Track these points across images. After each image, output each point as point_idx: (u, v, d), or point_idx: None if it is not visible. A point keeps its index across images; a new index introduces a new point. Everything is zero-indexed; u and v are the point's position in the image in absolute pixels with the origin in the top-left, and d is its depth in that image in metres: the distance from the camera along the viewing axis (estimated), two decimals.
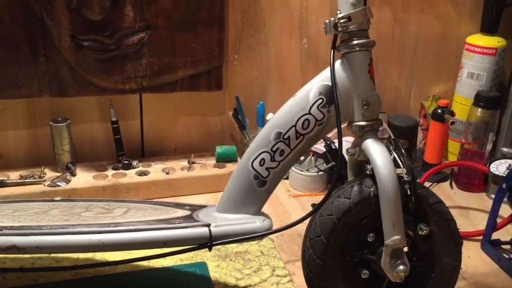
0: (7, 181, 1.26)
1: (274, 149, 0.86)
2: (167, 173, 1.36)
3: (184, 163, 1.42)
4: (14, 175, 1.29)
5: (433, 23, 1.56)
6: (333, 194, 0.84)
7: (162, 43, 1.28)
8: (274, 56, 1.47)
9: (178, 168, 1.39)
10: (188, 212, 0.91)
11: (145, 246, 0.79)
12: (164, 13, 1.25)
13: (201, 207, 0.96)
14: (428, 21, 1.56)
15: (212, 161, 1.43)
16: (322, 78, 0.85)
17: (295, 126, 0.85)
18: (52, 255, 1.05)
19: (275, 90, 1.52)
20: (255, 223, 0.84)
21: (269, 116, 1.41)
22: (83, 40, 1.22)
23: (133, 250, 0.82)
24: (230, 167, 1.41)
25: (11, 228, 0.78)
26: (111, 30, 1.22)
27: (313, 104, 0.84)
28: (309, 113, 0.84)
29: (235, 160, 1.44)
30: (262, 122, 1.48)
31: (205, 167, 1.41)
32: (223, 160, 1.43)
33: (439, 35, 1.58)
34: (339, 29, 0.82)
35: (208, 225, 0.82)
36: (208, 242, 0.81)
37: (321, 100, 0.84)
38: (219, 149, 1.43)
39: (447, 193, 1.42)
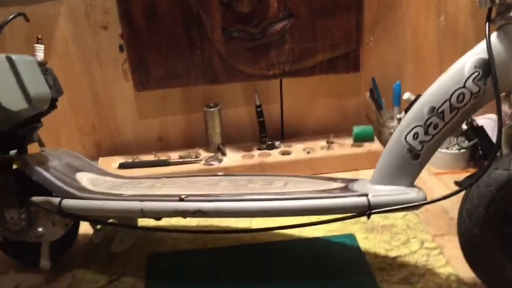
0: (170, 160, 1.42)
1: (427, 123, 0.89)
2: (308, 153, 1.44)
3: (323, 143, 1.49)
4: (174, 156, 1.46)
5: None
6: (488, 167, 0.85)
7: (303, 29, 1.35)
8: (410, 36, 1.48)
9: (317, 148, 1.46)
10: (342, 185, 0.98)
11: (311, 213, 0.87)
12: (305, 1, 1.32)
13: (353, 180, 1.01)
14: None
15: (349, 140, 1.49)
16: (477, 52, 0.86)
17: (449, 100, 0.87)
18: (218, 224, 1.18)
19: (412, 70, 1.52)
20: (411, 194, 0.88)
21: (406, 95, 1.43)
22: (232, 32, 1.33)
23: (300, 216, 0.90)
24: (367, 146, 1.45)
25: (194, 195, 0.90)
26: (257, 20, 1.32)
27: (468, 78, 0.86)
28: (464, 87, 0.86)
29: (372, 140, 1.48)
30: (398, 101, 1.50)
31: (343, 147, 1.46)
32: (360, 139, 1.47)
33: None
34: (496, 1, 0.82)
35: (366, 195, 0.88)
36: (367, 210, 0.87)
37: (476, 73, 0.85)
38: (356, 129, 1.48)
39: None
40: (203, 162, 1.41)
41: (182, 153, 1.47)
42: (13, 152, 1.03)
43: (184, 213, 0.88)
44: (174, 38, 1.34)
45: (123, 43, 1.37)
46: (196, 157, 1.44)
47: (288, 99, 1.53)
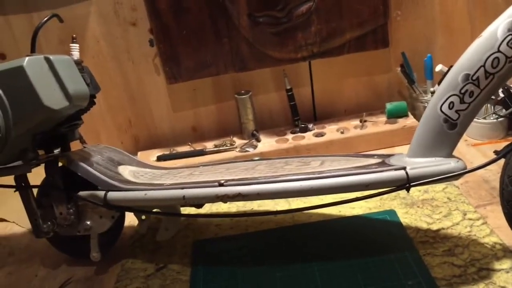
0: (206, 150, 1.45)
1: (463, 91, 0.88)
2: (342, 133, 1.44)
3: (356, 122, 1.48)
4: (209, 145, 1.48)
5: None
6: None
7: (329, 9, 1.35)
8: (438, 7, 1.45)
9: (351, 127, 1.46)
10: (379, 160, 0.98)
11: (349, 189, 0.87)
12: None
13: (389, 155, 1.01)
14: None
15: (383, 118, 1.48)
16: (510, 14, 0.84)
17: (483, 66, 0.85)
18: (257, 208, 1.20)
19: (442, 42, 1.49)
20: (450, 164, 0.87)
21: (438, 67, 1.40)
22: (258, 17, 1.34)
23: (337, 194, 0.91)
24: (402, 122, 1.44)
25: (233, 180, 0.92)
26: (282, 4, 1.33)
27: (502, 41, 0.84)
28: (499, 51, 0.84)
29: (406, 115, 1.46)
30: (430, 74, 1.48)
31: (377, 124, 1.45)
32: (394, 116, 1.46)
33: None
34: None
35: (404, 168, 0.87)
36: (406, 183, 0.87)
37: (510, 36, 0.83)
38: (389, 105, 1.46)
39: None
40: (238, 149, 1.43)
41: (217, 142, 1.49)
42: (57, 150, 1.07)
43: (224, 198, 0.90)
44: (202, 28, 1.36)
45: (153, 38, 1.40)
46: (231, 145, 1.46)
47: (318, 81, 1.53)
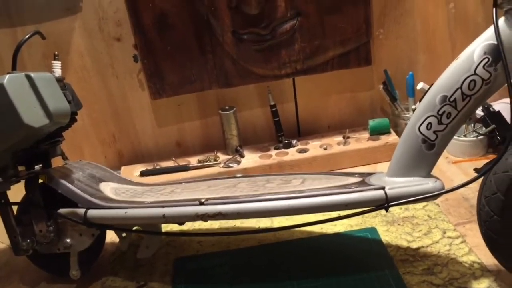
0: (189, 165, 1.45)
1: (440, 112, 0.89)
2: (325, 149, 1.45)
3: (339, 138, 1.50)
4: (193, 160, 1.48)
5: None
6: (507, 151, 0.85)
7: (312, 27, 1.36)
8: (420, 26, 1.48)
9: (334, 143, 1.47)
10: (359, 179, 0.99)
11: (329, 209, 0.88)
12: None
13: (369, 174, 1.02)
14: None
15: (366, 134, 1.49)
16: (486, 38, 0.86)
17: (460, 88, 0.87)
18: (239, 225, 1.20)
19: (424, 60, 1.52)
20: (428, 184, 0.88)
21: (420, 85, 1.42)
22: (242, 34, 1.35)
23: (317, 213, 0.92)
24: (384, 138, 1.45)
25: (214, 199, 0.92)
26: (266, 21, 1.34)
27: (478, 64, 0.86)
28: (475, 74, 0.86)
29: (388, 132, 1.48)
30: (412, 92, 1.50)
31: (360, 141, 1.47)
32: (376, 132, 1.48)
33: None
34: None
35: (383, 188, 0.88)
36: (384, 203, 0.87)
37: (486, 59, 0.85)
38: (371, 122, 1.48)
39: None
40: (222, 165, 1.43)
41: (201, 157, 1.49)
42: (38, 166, 1.07)
43: (204, 217, 0.90)
44: (186, 44, 1.36)
45: (137, 53, 1.40)
46: (215, 160, 1.46)
47: (302, 97, 1.54)
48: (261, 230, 1.08)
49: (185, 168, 1.43)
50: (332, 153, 1.42)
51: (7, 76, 0.88)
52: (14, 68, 1.00)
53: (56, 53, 1.03)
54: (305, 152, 1.45)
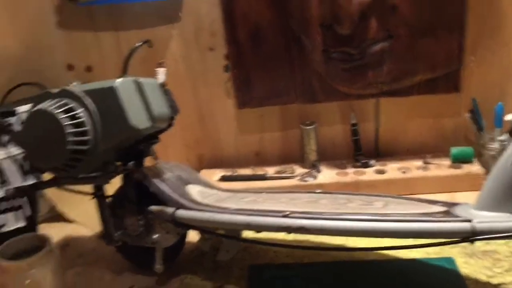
0: (267, 175, 1.49)
1: None
2: (404, 172, 1.44)
3: (418, 163, 1.48)
4: (270, 170, 1.52)
5: None
6: None
7: (403, 50, 1.36)
8: None
9: (413, 167, 1.46)
10: (443, 208, 0.98)
11: (413, 236, 0.88)
12: (405, 22, 1.34)
13: (454, 204, 1.01)
14: None
15: (447, 161, 1.47)
16: None
17: None
18: (314, 240, 1.22)
19: None
20: None
21: (509, 117, 1.39)
22: (332, 53, 1.38)
23: (400, 239, 0.92)
24: (466, 168, 1.42)
25: (298, 212, 0.95)
26: (356, 41, 1.36)
27: None
28: None
29: (471, 161, 1.45)
30: (500, 123, 1.45)
31: (440, 168, 1.45)
32: (458, 161, 1.45)
33: None
34: None
35: (470, 221, 0.88)
36: (470, 236, 0.87)
37: None
38: (454, 150, 1.46)
39: None
40: (298, 178, 1.46)
41: (278, 168, 1.53)
42: (131, 164, 1.14)
43: (287, 229, 0.93)
44: (276, 59, 1.41)
45: (229, 64, 1.46)
46: (291, 173, 1.49)
47: (384, 118, 1.54)
48: (337, 248, 1.09)
49: (263, 178, 1.47)
50: (411, 177, 1.41)
51: (119, 80, 0.96)
52: (125, 72, 1.08)
53: (162, 61, 1.11)
54: (383, 173, 1.45)
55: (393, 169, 1.46)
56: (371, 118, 1.55)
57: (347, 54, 1.38)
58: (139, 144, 1.08)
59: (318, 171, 1.49)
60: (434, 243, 0.92)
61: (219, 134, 1.60)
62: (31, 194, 1.29)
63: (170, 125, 1.11)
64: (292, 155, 1.58)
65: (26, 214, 1.36)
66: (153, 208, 1.08)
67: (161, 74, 1.09)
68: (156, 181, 1.09)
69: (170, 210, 1.05)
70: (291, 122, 1.56)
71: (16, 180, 1.35)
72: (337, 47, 1.37)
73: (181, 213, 1.04)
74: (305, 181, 1.45)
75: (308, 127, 1.48)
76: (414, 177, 1.41)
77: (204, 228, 1.09)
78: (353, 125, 1.51)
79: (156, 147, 1.60)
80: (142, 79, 0.99)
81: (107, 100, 0.96)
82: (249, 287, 1.10)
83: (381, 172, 1.46)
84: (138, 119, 0.96)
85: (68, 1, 1.44)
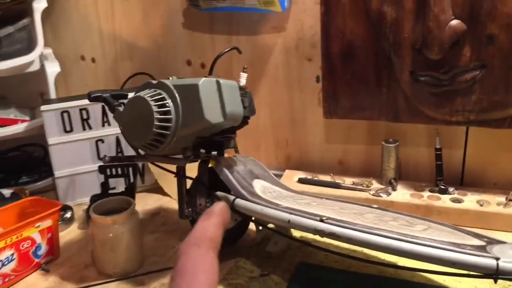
0: (342, 184, 1.56)
1: None
2: (481, 205, 1.40)
3: (501, 198, 1.42)
4: (348, 181, 1.59)
5: None
6: None
7: (495, 81, 1.33)
8: None
9: (493, 202, 1.41)
10: (482, 243, 0.98)
11: (434, 262, 0.90)
12: (501, 53, 1.30)
13: (499, 242, 1.00)
14: None
15: None
16: None
17: None
18: (365, 251, 1.28)
19: None
20: None
21: None
22: (420, 76, 1.39)
23: (423, 262, 0.95)
24: None
25: (333, 219, 1.03)
26: (446, 67, 1.35)
27: None
28: None
29: None
30: None
31: None
32: None
33: None
34: None
35: (497, 259, 0.87)
36: (494, 274, 0.87)
37: None
38: None
39: None
40: (372, 192, 1.51)
41: (356, 179, 1.59)
42: (213, 153, 1.31)
43: (320, 233, 1.02)
44: (364, 75, 1.47)
45: (320, 75, 1.56)
46: (367, 186, 1.54)
47: (473, 147, 1.51)
48: (384, 263, 1.14)
49: (337, 186, 1.55)
50: (486, 211, 1.37)
51: (203, 79, 1.13)
52: (210, 73, 1.25)
53: (245, 66, 1.26)
54: (458, 202, 1.42)
55: (471, 200, 1.43)
56: (459, 145, 1.52)
57: (436, 78, 1.38)
58: (216, 137, 1.24)
59: (394, 189, 1.51)
60: (462, 273, 0.93)
61: (307, 138, 1.70)
62: (132, 165, 1.54)
63: (245, 124, 1.25)
64: (373, 170, 1.62)
65: (129, 181, 1.62)
66: (219, 193, 1.23)
67: (243, 78, 1.24)
68: (226, 171, 1.25)
69: (231, 197, 1.19)
70: (377, 137, 1.60)
71: (128, 152, 1.62)
72: (425, 70, 1.38)
73: (239, 202, 1.18)
74: (378, 196, 1.49)
75: (389, 145, 1.51)
76: (490, 211, 1.37)
77: (256, 219, 1.21)
78: (438, 149, 1.50)
79: (250, 142, 1.78)
80: (222, 80, 1.15)
81: (190, 95, 1.12)
82: (292, 280, 1.20)
83: (457, 200, 1.43)
84: (211, 114, 1.12)
85: (193, 7, 1.66)
